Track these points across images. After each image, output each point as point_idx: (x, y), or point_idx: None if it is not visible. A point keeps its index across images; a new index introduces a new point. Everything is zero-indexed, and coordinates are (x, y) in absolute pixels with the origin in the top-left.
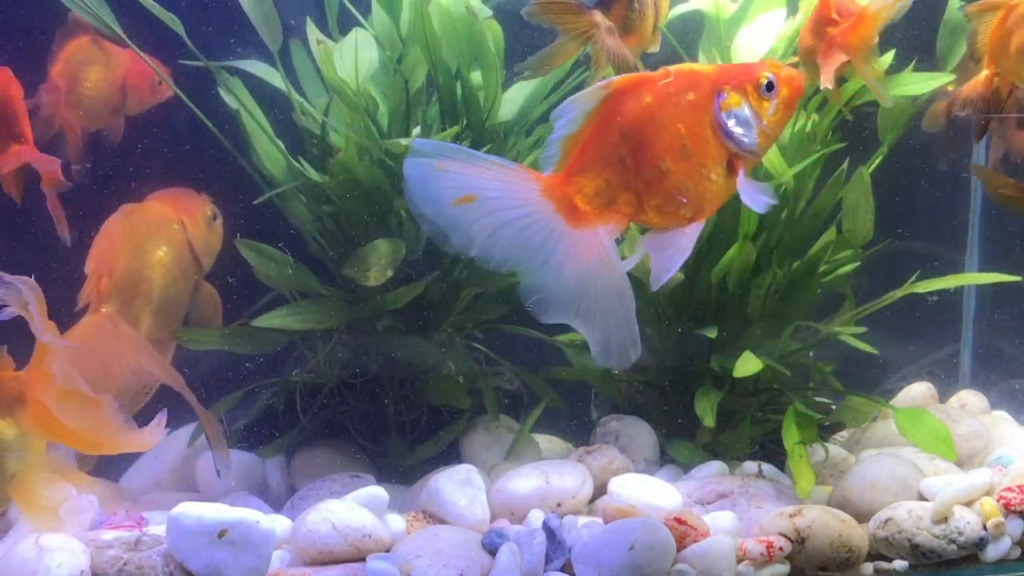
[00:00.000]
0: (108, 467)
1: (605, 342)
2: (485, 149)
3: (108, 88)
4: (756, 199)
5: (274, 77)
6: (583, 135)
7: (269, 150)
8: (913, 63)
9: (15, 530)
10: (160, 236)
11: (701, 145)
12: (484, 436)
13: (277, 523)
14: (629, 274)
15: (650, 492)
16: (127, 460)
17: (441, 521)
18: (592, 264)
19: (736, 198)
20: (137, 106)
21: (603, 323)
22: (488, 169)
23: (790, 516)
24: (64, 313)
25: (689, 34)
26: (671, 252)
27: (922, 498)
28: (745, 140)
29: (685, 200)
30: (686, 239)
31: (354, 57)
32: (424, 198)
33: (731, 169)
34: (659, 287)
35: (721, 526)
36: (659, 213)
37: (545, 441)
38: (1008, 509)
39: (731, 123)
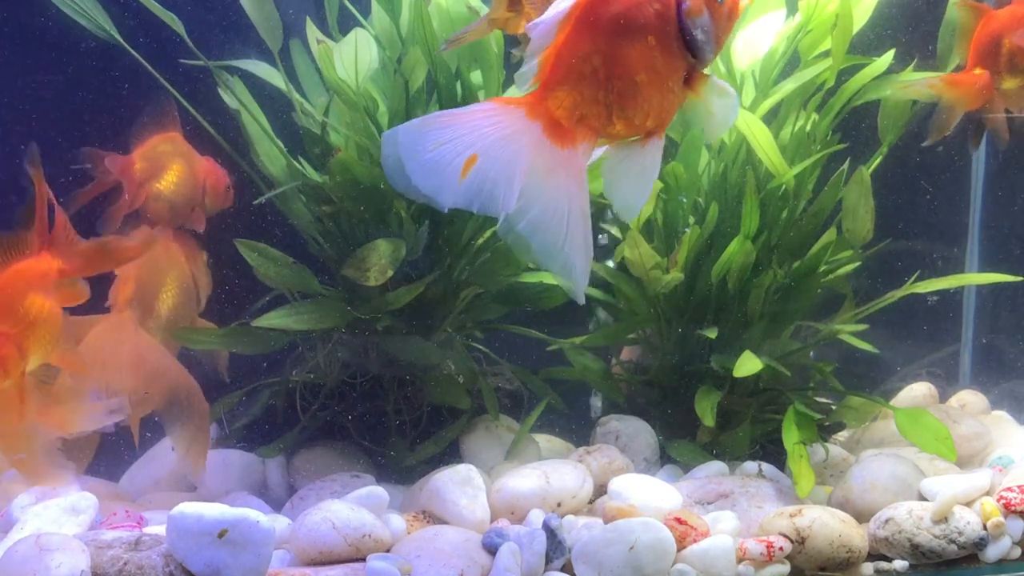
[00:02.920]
0: (108, 467)
1: (568, 268)
2: None
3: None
4: (732, 104)
5: (274, 77)
6: (556, 47)
7: (269, 150)
8: (913, 63)
9: (15, 530)
10: (175, 267)
11: (668, 55)
12: (484, 436)
13: (277, 523)
14: (629, 272)
15: (650, 492)
16: (127, 460)
17: (441, 521)
18: (572, 187)
19: (737, 202)
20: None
21: (571, 250)
22: (476, 121)
23: (790, 516)
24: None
25: None
26: (638, 176)
27: (922, 498)
28: (707, 48)
29: (651, 112)
30: (650, 158)
31: (354, 57)
32: (435, 188)
33: (686, 80)
34: (632, 217)
35: (721, 526)
36: (626, 126)
37: (545, 441)
38: (1008, 509)
39: (697, 32)
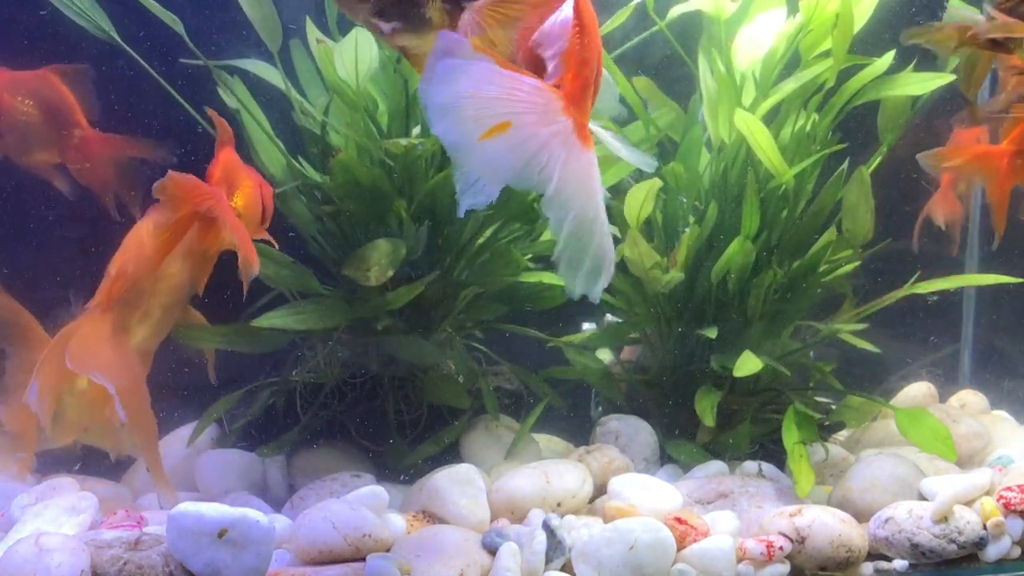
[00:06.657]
0: (108, 467)
1: (598, 269)
2: None
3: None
4: None
5: (274, 77)
6: (573, 50)
7: (269, 150)
8: (913, 63)
9: (15, 530)
10: (175, 257)
11: None
12: (484, 436)
13: (277, 523)
14: (630, 273)
15: (650, 492)
16: (127, 460)
17: (441, 520)
18: (597, 187)
19: (737, 202)
20: None
21: (606, 249)
22: (520, 91)
23: (790, 516)
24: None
25: (689, 35)
26: None
27: (922, 498)
28: None
29: None
30: None
31: (354, 57)
32: (450, 133)
33: None
34: None
35: (721, 526)
36: None
37: (545, 441)
38: (1008, 509)
39: None
